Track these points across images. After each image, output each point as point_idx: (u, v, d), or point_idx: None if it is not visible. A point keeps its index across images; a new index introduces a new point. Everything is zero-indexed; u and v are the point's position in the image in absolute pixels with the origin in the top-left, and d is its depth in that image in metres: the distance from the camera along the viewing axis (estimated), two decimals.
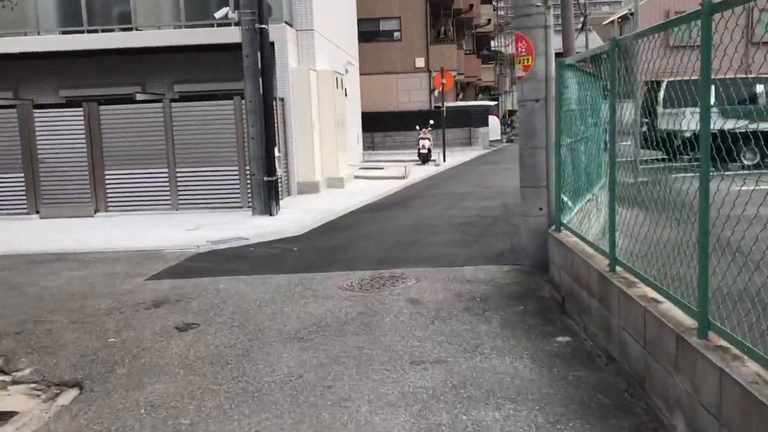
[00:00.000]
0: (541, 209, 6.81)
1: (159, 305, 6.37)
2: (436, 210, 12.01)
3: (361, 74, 29.73)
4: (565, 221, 5.98)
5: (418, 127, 23.93)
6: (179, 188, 13.40)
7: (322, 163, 16.39)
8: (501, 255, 7.95)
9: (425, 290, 6.47)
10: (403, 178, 18.47)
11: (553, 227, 6.22)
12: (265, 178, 12.31)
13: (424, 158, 22.94)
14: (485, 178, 17.38)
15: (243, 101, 12.50)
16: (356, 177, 18.44)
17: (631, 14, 29.91)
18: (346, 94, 21.21)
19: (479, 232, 9.56)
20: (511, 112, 48.40)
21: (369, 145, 30.97)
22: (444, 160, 24.23)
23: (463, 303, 5.96)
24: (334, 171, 16.50)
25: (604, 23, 44.28)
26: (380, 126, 30.87)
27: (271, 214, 12.23)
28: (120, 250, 9.53)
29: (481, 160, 24.75)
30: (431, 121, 23.85)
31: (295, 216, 12.12)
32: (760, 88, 16.41)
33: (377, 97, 31.15)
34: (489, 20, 45.58)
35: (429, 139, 23.03)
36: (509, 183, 15.54)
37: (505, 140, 38.07)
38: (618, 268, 4.38)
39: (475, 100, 41.40)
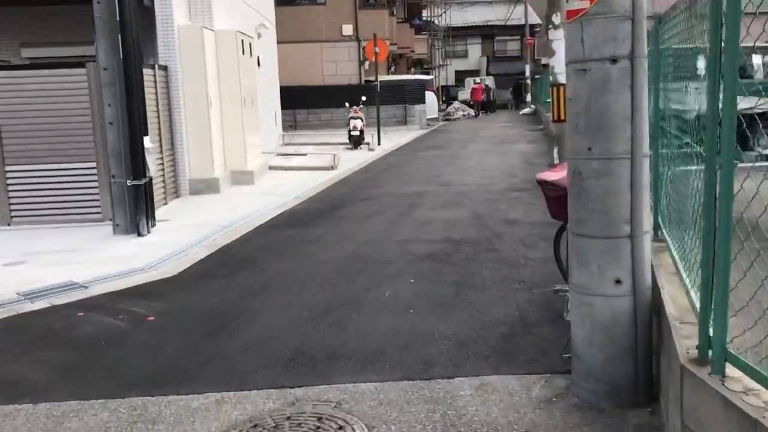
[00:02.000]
0: (619, 282, 3.32)
1: None
2: (381, 226, 8.41)
3: (278, 42, 25.71)
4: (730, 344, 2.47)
5: (347, 104, 20.23)
6: (11, 194, 9.35)
7: (225, 154, 12.52)
8: (512, 339, 4.48)
9: None
10: (332, 168, 14.81)
11: (708, 368, 2.64)
12: (129, 182, 8.43)
13: (356, 141, 19.31)
14: (435, 170, 13.89)
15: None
16: (272, 168, 14.65)
17: None
18: (258, 64, 17.26)
19: (457, 275, 6.05)
20: (444, 88, 45.25)
21: (290, 124, 27.06)
22: (379, 143, 20.67)
23: None
24: (241, 163, 12.68)
25: None
26: (303, 102, 26.97)
27: (139, 234, 8.39)
28: None
29: (422, 143, 21.28)
30: (363, 98, 20.19)
31: (175, 237, 8.31)
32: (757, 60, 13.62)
33: (299, 68, 27.19)
34: None
35: (361, 119, 19.40)
36: (470, 178, 12.09)
37: (441, 118, 34.82)
38: None
39: (408, 73, 37.89)
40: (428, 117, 29.61)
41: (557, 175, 4.93)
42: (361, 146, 19.53)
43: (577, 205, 3.43)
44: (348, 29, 27.44)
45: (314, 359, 4.31)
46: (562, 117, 9.67)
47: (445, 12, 46.73)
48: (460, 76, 51.72)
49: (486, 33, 56.63)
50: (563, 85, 9.62)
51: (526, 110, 38.61)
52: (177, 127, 11.27)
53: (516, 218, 8.33)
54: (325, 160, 15.37)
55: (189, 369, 4.27)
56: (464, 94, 43.29)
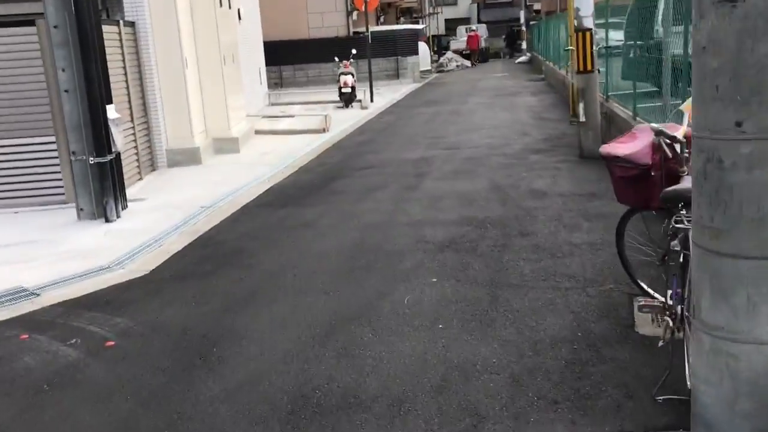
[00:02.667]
0: None
1: None
2: (386, 203, 7.24)
3: None
4: None
5: (337, 59, 18.84)
6: None
7: (205, 120, 11.26)
8: (581, 370, 3.37)
9: None
10: (324, 131, 13.57)
11: None
12: (92, 160, 7.22)
13: (348, 99, 17.99)
14: (438, 130, 12.67)
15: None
16: (258, 132, 13.39)
17: None
18: (240, 17, 15.85)
19: (488, 270, 4.92)
20: (436, 38, 43.58)
21: (276, 82, 25.64)
22: (372, 100, 19.35)
23: None
24: (224, 129, 11.43)
25: None
26: (289, 58, 25.48)
27: (107, 219, 7.22)
28: None
29: (418, 99, 19.97)
30: (353, 51, 18.79)
31: (148, 221, 7.14)
32: None
33: (283, 22, 25.59)
34: None
35: (352, 74, 18.04)
36: (478, 139, 10.90)
37: (434, 70, 33.35)
38: None
39: (397, 24, 36.21)
40: (421, 69, 28.20)
41: (628, 147, 3.78)
42: (353, 104, 18.23)
43: (711, 209, 2.29)
44: None
45: (322, 409, 3.22)
46: (589, 67, 8.45)
47: None
48: (450, 25, 49.92)
49: None
50: (590, 30, 8.38)
51: (522, 59, 37.12)
52: (149, 93, 9.99)
53: (543, 189, 7.19)
54: (315, 122, 14.11)
55: None
56: (456, 43, 41.65)
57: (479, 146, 10.29)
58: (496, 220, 6.17)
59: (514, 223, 6.02)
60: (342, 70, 18.14)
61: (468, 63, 37.08)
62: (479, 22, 49.76)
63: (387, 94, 21.87)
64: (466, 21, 51.22)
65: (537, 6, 50.37)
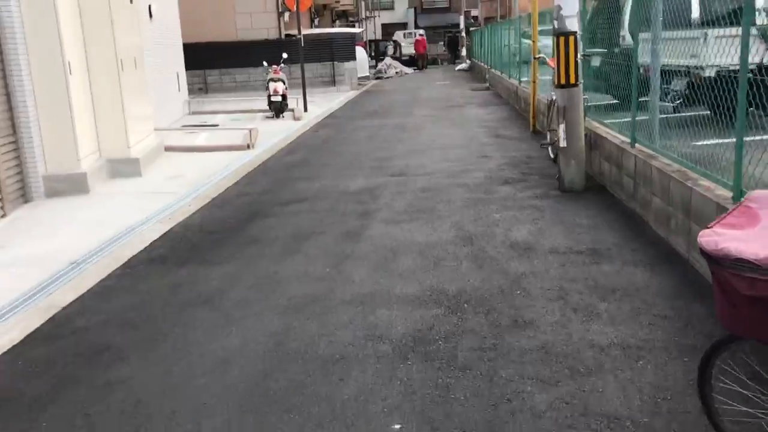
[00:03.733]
0: None
1: None
2: (320, 262, 5.33)
3: None
4: None
5: (265, 64, 16.85)
6: None
7: (98, 138, 9.16)
8: None
9: None
10: (248, 147, 11.62)
11: None
12: None
13: (278, 109, 16.04)
14: (383, 149, 10.89)
15: None
16: (169, 149, 11.31)
17: None
18: (150, 15, 13.75)
19: (480, 404, 3.15)
20: (374, 43, 42.01)
21: (200, 87, 23.49)
22: (306, 110, 17.48)
23: None
24: (122, 148, 9.33)
25: None
26: (215, 61, 23.33)
27: None
28: None
29: (357, 109, 18.16)
30: (284, 55, 16.84)
31: None
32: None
33: (208, 22, 23.40)
34: None
35: (283, 81, 16.09)
36: (431, 162, 9.16)
37: (373, 76, 31.69)
38: None
39: (333, 27, 34.37)
40: (359, 76, 26.46)
41: (756, 239, 2.07)
42: (284, 114, 16.30)
43: None
44: None
45: None
46: (572, 80, 6.82)
47: None
48: (388, 30, 48.42)
49: None
50: (573, 34, 6.75)
51: (462, 66, 35.91)
52: (19, 106, 7.86)
53: (527, 240, 5.48)
54: (239, 136, 12.13)
55: None
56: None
57: (434, 173, 8.55)
58: (475, 295, 4.40)
59: (501, 302, 4.27)
60: (271, 76, 16.17)
61: (408, 70, 35.56)
62: (416, 27, 48.44)
63: (323, 103, 20.00)
64: (403, 26, 49.82)
65: (475, 12, 49.48)
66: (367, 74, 29.77)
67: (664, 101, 11.34)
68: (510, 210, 6.44)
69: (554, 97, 8.52)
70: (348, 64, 24.58)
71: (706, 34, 8.86)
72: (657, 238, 5.31)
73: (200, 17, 23.17)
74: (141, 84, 10.46)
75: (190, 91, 22.86)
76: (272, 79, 16.02)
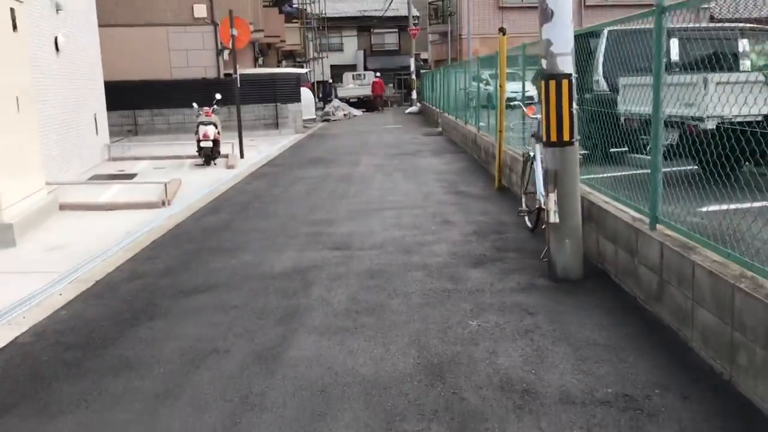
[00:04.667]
0: None
1: None
2: (212, 419, 3.56)
3: (112, 26, 20.16)
4: None
5: (195, 106, 15.00)
6: None
7: None
8: None
9: None
10: (164, 204, 9.72)
11: None
12: None
13: (208, 156, 14.18)
14: (323, 209, 9.13)
15: None
16: (65, 207, 9.32)
17: None
18: (57, 48, 11.84)
19: None
20: (322, 84, 40.63)
21: (129, 129, 21.51)
22: (242, 156, 15.67)
23: None
24: None
25: None
26: (146, 101, 21.43)
27: None
28: None
29: (299, 155, 16.39)
30: (218, 96, 15.06)
31: None
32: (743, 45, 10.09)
33: (140, 59, 21.54)
34: None
35: (215, 125, 14.27)
36: (381, 230, 7.34)
37: (320, 119, 30.15)
38: None
39: (279, 67, 32.80)
40: (305, 118, 24.82)
41: None
42: (216, 162, 14.45)
43: None
44: (201, 10, 22.03)
45: None
46: (566, 136, 5.22)
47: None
48: (337, 71, 47.19)
49: (362, 24, 52.51)
50: (567, 77, 5.17)
51: (413, 109, 34.71)
52: None
53: (526, 379, 3.70)
54: (154, 191, 10.22)
55: None
56: (344, 90, 38.73)
57: (385, 245, 6.81)
58: None
59: None
60: (202, 119, 14.34)
61: (357, 112, 34.14)
62: (366, 69, 47.35)
63: (263, 148, 18.24)
64: (352, 67, 48.69)
65: (425, 55, 48.72)
66: (314, 116, 28.17)
67: (642, 153, 9.97)
68: (490, 312, 4.72)
69: (533, 154, 6.96)
70: (292, 106, 22.93)
71: (705, 79, 7.54)
72: (714, 374, 3.65)
73: (131, 53, 21.32)
74: (27, 130, 8.50)
75: (117, 134, 20.84)
76: (202, 123, 14.18)
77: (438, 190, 10.15)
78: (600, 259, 5.67)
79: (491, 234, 7.13)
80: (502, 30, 9.08)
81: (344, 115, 32.00)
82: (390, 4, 45.96)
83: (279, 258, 6.53)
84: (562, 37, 5.09)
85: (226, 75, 22.09)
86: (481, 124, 13.94)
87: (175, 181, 11.34)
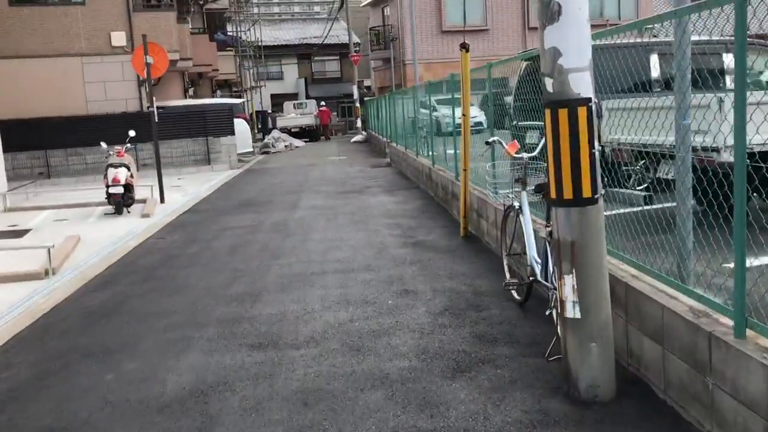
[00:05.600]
0: None
1: None
2: None
3: (9, 57, 18.06)
4: None
5: (104, 145, 12.92)
6: None
7: None
8: None
9: None
10: (46, 274, 7.66)
11: None
12: None
13: (120, 204, 12.10)
14: (244, 273, 7.20)
15: None
16: None
17: None
18: None
19: None
20: (260, 114, 38.72)
21: (41, 172, 19.20)
22: (162, 200, 13.63)
23: None
24: None
25: None
26: (60, 139, 19.17)
27: None
28: None
29: (230, 197, 14.39)
30: (131, 133, 13.02)
31: None
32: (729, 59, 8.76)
33: (52, 93, 19.34)
34: None
35: (127, 167, 12.21)
36: (316, 301, 5.29)
37: (258, 151, 28.21)
38: None
39: (214, 96, 30.76)
40: (240, 152, 22.87)
41: None
42: (131, 209, 12.39)
43: None
44: (119, 38, 19.94)
45: None
46: (586, 192, 3.51)
47: (252, 26, 40.24)
48: (277, 100, 45.34)
49: (303, 52, 50.86)
50: (585, 103, 3.46)
51: (358, 138, 33.09)
52: None
53: None
54: (37, 257, 8.13)
55: None
56: (284, 120, 36.80)
57: (325, 339, 4.95)
58: None
59: None
60: (112, 160, 12.27)
61: (299, 143, 32.29)
62: (308, 97, 45.60)
63: (190, 188, 16.22)
64: (293, 96, 46.89)
65: (368, 82, 47.31)
66: (251, 149, 26.24)
67: (627, 187, 8.38)
68: None
69: (518, 204, 5.26)
70: (225, 140, 20.95)
71: (721, 100, 6.08)
72: None
73: (41, 87, 19.11)
74: None
75: (26, 177, 18.53)
76: (112, 165, 12.11)
77: (392, 241, 8.37)
78: (633, 362, 3.95)
79: (468, 311, 5.36)
80: (464, 46, 7.44)
81: (285, 146, 30.11)
82: (329, 31, 44.51)
83: (176, 367, 4.61)
84: (575, 43, 3.39)
85: (149, 107, 20.00)
86: (435, 154, 12.32)
87: (70, 239, 9.27)
